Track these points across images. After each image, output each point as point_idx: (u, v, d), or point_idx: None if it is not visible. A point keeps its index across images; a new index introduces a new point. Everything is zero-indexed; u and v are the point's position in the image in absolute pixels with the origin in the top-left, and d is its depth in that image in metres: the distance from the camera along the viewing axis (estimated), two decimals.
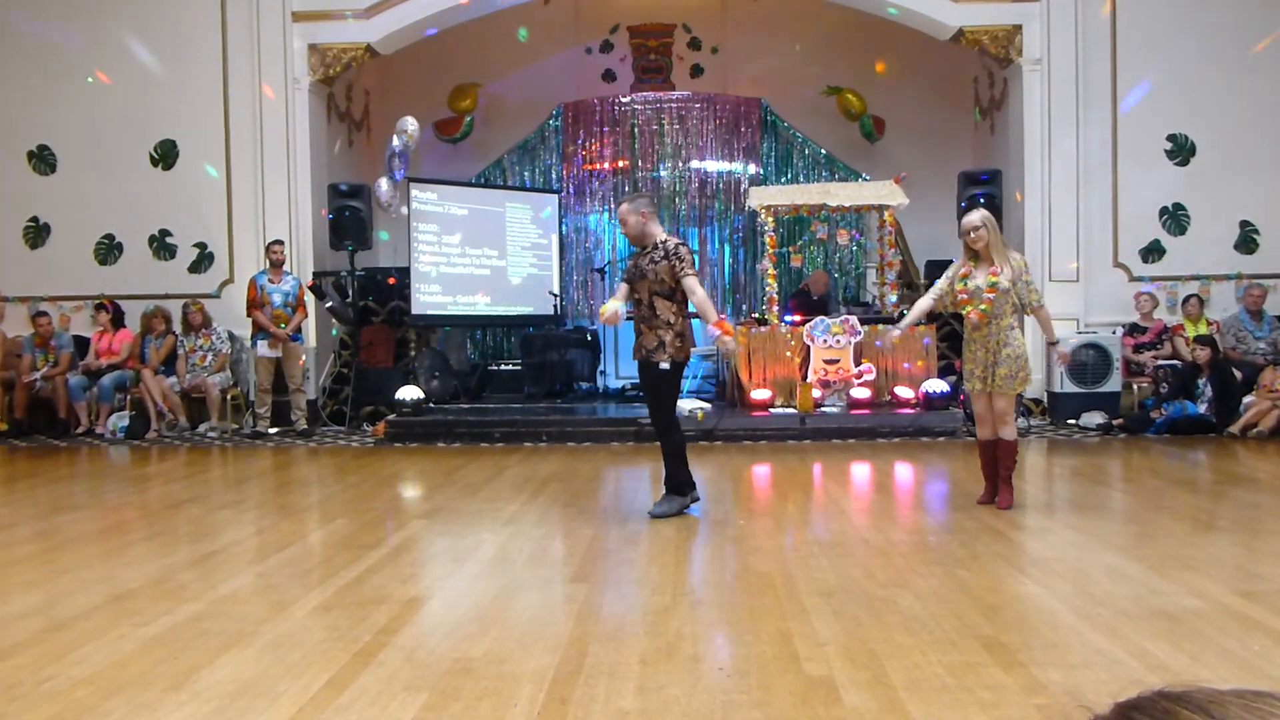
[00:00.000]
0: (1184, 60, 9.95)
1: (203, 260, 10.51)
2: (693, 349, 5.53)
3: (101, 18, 10.42)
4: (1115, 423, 8.92)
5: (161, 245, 10.52)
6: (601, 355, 11.17)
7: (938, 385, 9.04)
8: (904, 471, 7.28)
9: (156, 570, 4.43)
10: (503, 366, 11.06)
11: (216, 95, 10.35)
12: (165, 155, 10.46)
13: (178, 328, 10.00)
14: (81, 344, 10.20)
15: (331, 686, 2.97)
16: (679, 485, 5.46)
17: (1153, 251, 10.07)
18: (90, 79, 10.44)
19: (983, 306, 5.38)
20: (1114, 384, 9.39)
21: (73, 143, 10.52)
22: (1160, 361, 9.36)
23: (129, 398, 9.79)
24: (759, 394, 9.27)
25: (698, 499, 5.52)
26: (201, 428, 9.73)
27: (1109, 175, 10.10)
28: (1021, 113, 10.11)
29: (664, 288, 5.31)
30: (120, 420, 9.64)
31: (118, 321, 10.07)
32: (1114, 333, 9.61)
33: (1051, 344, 5.82)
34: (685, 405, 9.21)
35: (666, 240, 5.37)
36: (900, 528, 5.36)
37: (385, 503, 6.30)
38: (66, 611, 3.80)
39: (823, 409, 9.01)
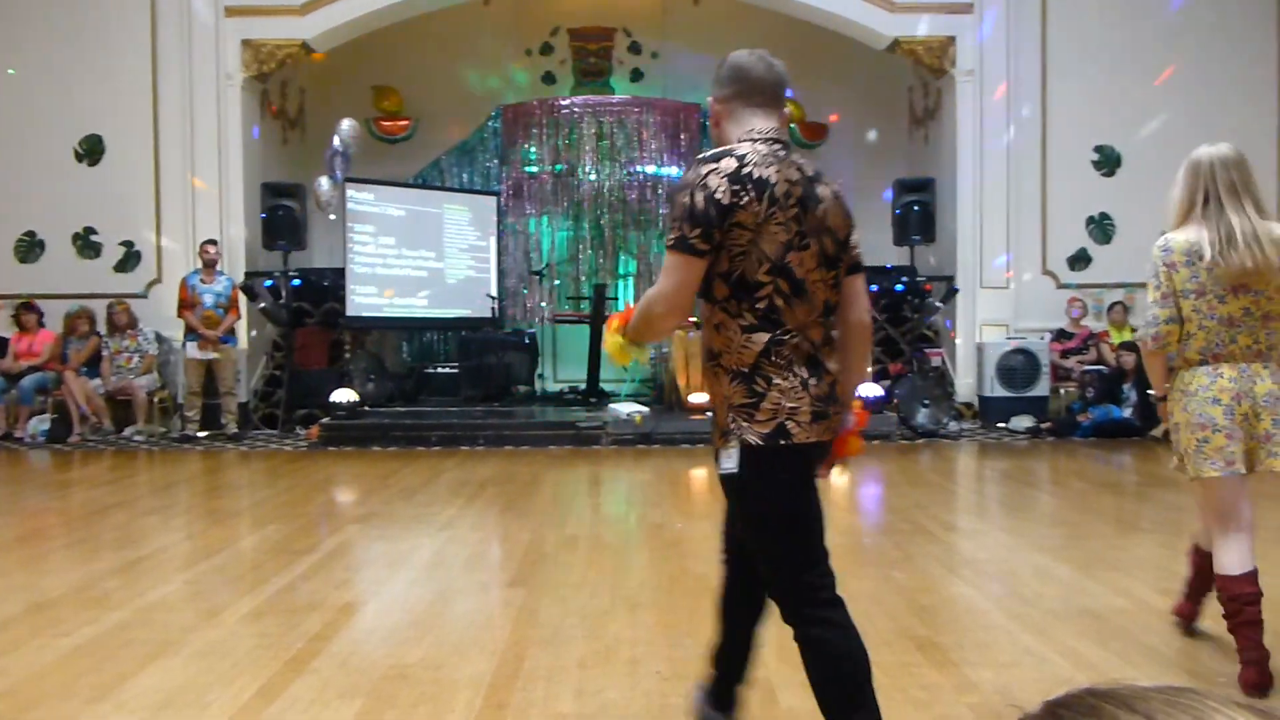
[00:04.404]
0: (1112, 73, 10.23)
1: (129, 259, 10.23)
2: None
3: (24, 6, 10.10)
4: (1043, 426, 9.14)
5: (86, 243, 10.22)
6: (539, 358, 11.12)
7: (873, 390, 9.16)
8: (839, 474, 7.36)
9: (79, 578, 4.30)
10: (439, 369, 10.94)
11: (145, 90, 10.10)
12: (91, 151, 10.17)
13: (102, 328, 9.73)
14: None
15: (262, 695, 2.91)
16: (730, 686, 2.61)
17: (1079, 259, 10.34)
18: (11, 70, 10.11)
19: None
20: (1042, 388, 9.61)
21: None
22: (1086, 367, 9.60)
23: (50, 400, 9.49)
24: (697, 397, 9.30)
25: None
26: (127, 431, 9.46)
27: (1038, 184, 10.34)
28: (955, 122, 10.31)
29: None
30: (41, 424, 9.33)
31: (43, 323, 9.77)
32: (1042, 338, 9.84)
33: None
34: (623, 409, 9.22)
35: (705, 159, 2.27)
36: (835, 530, 5.41)
37: (319, 507, 6.20)
38: None
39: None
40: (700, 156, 2.24)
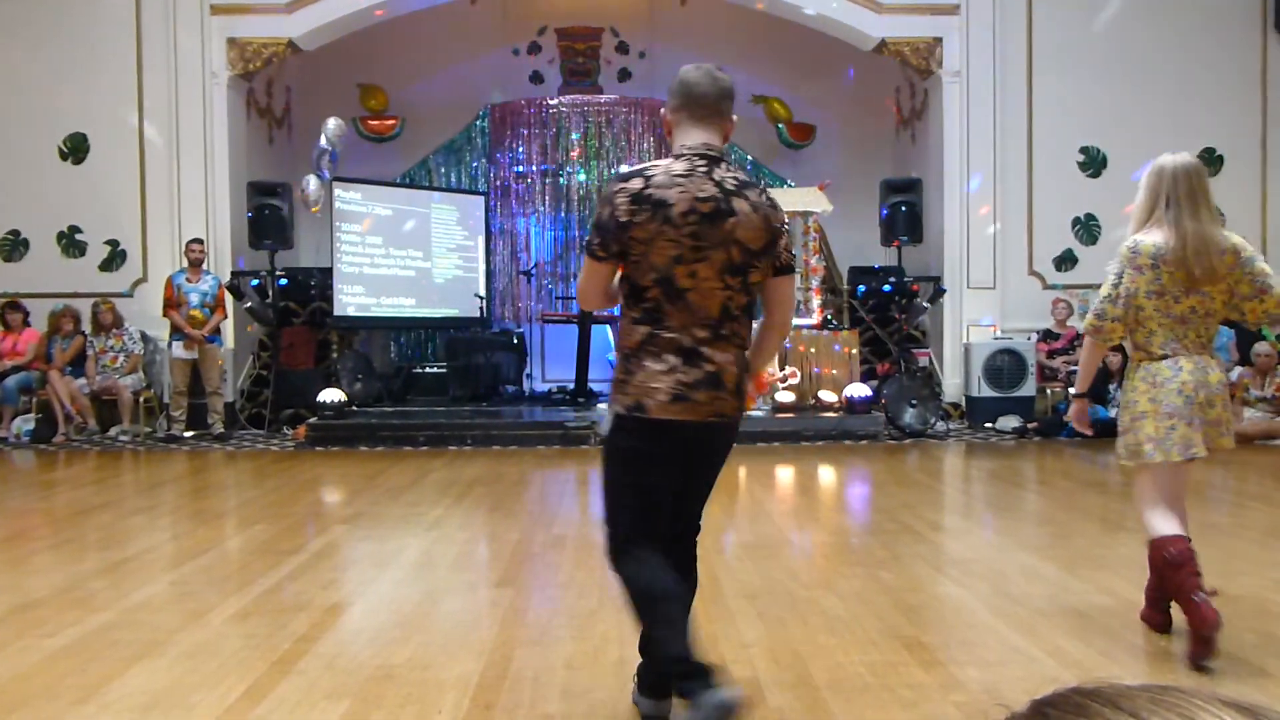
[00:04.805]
0: (1097, 74, 10.28)
1: (115, 258, 10.18)
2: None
3: (7, 4, 10.03)
4: (1030, 426, 9.17)
5: (71, 242, 10.16)
6: (528, 358, 11.11)
7: (860, 390, 9.19)
8: (827, 474, 7.38)
9: (64, 579, 4.27)
10: (427, 369, 10.92)
11: (130, 87, 10.05)
12: (75, 149, 10.11)
13: (87, 327, 9.67)
14: None
15: (249, 696, 2.90)
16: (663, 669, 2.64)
17: (1065, 260, 10.39)
18: None
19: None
20: (1029, 388, 9.65)
21: None
22: (1072, 367, 9.65)
23: (35, 400, 9.43)
24: None
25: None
26: (112, 431, 9.41)
27: (1024, 185, 10.39)
28: (941, 123, 10.34)
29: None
30: (25, 423, 9.27)
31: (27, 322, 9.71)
32: (1029, 339, 9.88)
33: None
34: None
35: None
36: (823, 529, 5.44)
37: (305, 507, 6.17)
38: None
39: (747, 412, 9.08)
40: (619, 173, 2.61)
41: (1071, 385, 9.25)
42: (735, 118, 2.65)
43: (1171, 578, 3.18)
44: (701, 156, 2.54)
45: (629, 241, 2.47)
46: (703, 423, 2.54)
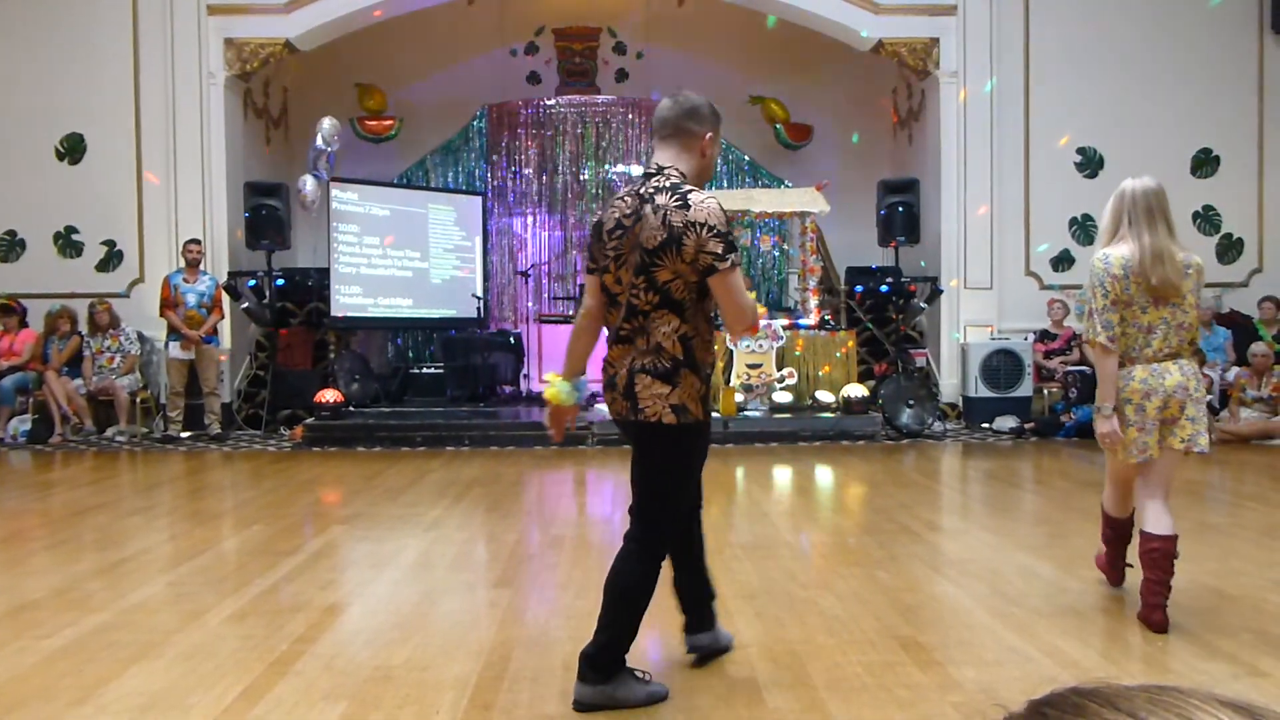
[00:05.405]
0: (1094, 75, 10.29)
1: (111, 258, 10.16)
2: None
3: (4, 4, 10.01)
4: (1027, 426, 9.18)
5: (67, 242, 10.15)
6: (525, 359, 11.11)
7: (858, 390, 9.20)
8: (824, 474, 7.39)
9: (60, 580, 4.27)
10: (424, 370, 10.92)
11: (127, 88, 10.04)
12: (72, 149, 10.10)
13: (83, 328, 9.66)
14: None
15: (246, 697, 2.89)
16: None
17: (1063, 261, 10.41)
18: None
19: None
20: (1026, 389, 9.66)
21: None
22: (1069, 367, 9.66)
23: (31, 401, 9.41)
24: None
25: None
26: (109, 432, 9.40)
27: (1021, 186, 10.40)
28: (938, 124, 10.34)
29: None
30: (22, 424, 9.26)
31: (24, 322, 9.69)
32: (1026, 339, 9.89)
33: None
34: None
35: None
36: (821, 530, 5.44)
37: (303, 508, 6.17)
38: None
39: (745, 413, 9.10)
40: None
41: (1073, 387, 9.27)
42: (709, 134, 2.88)
43: (1108, 546, 3.90)
44: (644, 175, 2.85)
45: (595, 260, 2.92)
46: (613, 419, 2.92)
